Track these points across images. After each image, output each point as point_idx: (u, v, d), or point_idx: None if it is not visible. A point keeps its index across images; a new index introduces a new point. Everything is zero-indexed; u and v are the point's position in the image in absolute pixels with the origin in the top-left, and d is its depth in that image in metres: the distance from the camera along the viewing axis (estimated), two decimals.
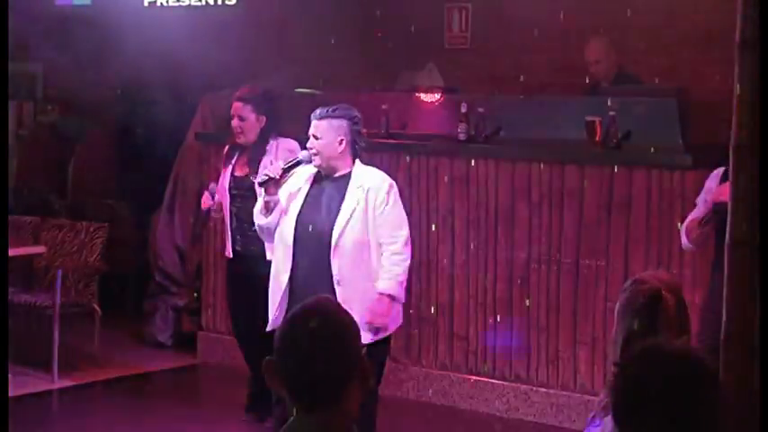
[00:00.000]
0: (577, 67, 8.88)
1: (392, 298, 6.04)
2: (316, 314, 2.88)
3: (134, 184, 10.34)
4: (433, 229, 8.08)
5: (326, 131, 6.05)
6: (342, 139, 6.07)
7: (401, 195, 8.14)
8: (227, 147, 7.47)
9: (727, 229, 3.25)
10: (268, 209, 6.16)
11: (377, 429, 6.32)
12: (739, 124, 3.24)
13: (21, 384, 7.93)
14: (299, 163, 6.26)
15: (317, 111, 6.13)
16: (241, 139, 7.32)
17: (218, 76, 8.90)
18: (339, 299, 5.81)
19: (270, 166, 6.35)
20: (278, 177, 6.18)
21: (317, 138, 6.07)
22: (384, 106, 8.33)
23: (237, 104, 7.33)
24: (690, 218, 6.22)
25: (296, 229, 6.06)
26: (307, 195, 6.13)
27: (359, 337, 2.94)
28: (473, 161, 7.93)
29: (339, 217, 5.99)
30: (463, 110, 7.92)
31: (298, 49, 9.71)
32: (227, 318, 8.13)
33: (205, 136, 9.13)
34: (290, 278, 6.05)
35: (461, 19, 9.99)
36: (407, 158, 8.18)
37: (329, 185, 6.12)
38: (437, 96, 8.54)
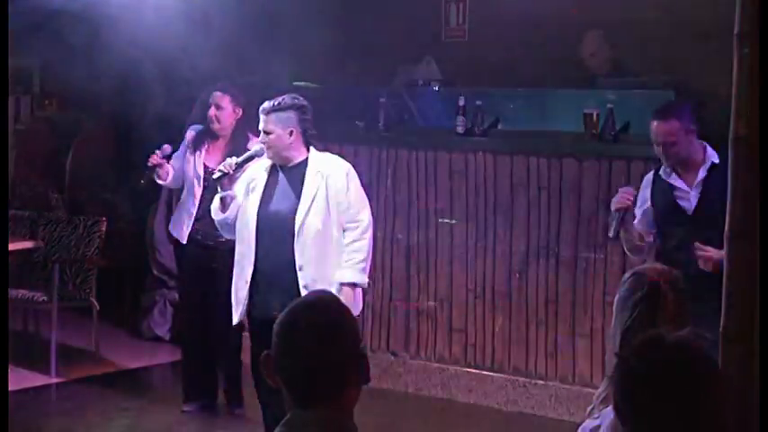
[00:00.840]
0: (575, 60, 8.86)
1: (354, 285, 6.07)
2: (316, 311, 2.86)
3: (131, 177, 10.31)
4: (431, 222, 8.07)
5: (275, 125, 6.11)
6: (291, 131, 6.12)
7: (400, 188, 8.18)
8: (195, 131, 7.54)
9: (726, 221, 3.24)
10: (224, 204, 6.23)
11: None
12: (738, 116, 3.22)
13: (19, 379, 7.92)
14: (252, 157, 6.31)
15: (264, 105, 6.18)
16: (215, 127, 7.47)
17: (215, 70, 8.88)
18: (301, 284, 5.93)
19: (224, 162, 6.38)
20: (231, 173, 6.23)
21: (267, 132, 6.12)
22: (382, 100, 8.33)
23: (217, 93, 7.52)
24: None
25: (258, 221, 6.10)
26: (265, 187, 6.17)
27: (359, 334, 2.93)
28: (471, 154, 7.93)
29: (300, 203, 6.05)
30: (461, 103, 7.92)
31: (294, 42, 9.69)
32: None
33: None
34: (254, 270, 6.10)
35: (459, 12, 9.97)
36: (405, 152, 8.18)
37: (287, 175, 6.17)
38: (435, 90, 8.53)
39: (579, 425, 3.90)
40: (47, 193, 10.68)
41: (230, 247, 6.39)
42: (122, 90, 10.62)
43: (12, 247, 7.95)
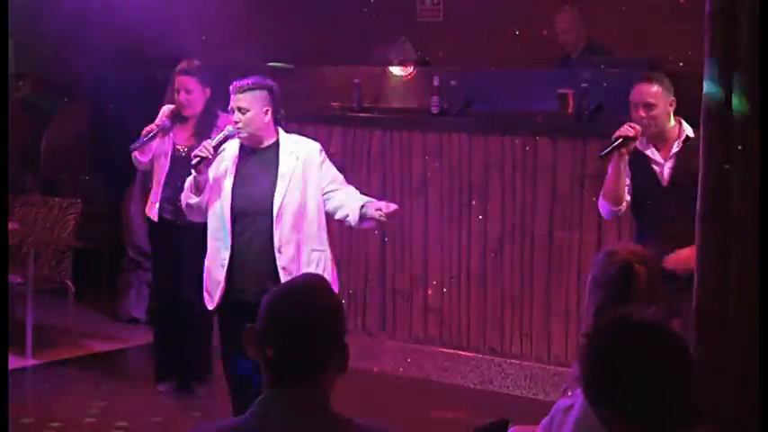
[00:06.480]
0: (549, 40, 8.88)
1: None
2: (303, 295, 2.85)
3: (107, 158, 10.28)
4: (406, 203, 8.08)
5: (252, 103, 6.06)
6: (267, 110, 6.08)
7: (374, 169, 8.18)
8: (166, 114, 7.53)
9: (698, 201, 3.26)
10: (199, 188, 6.14)
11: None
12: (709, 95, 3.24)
13: None
14: (226, 138, 6.21)
15: (237, 84, 6.10)
16: (189, 112, 7.46)
17: (189, 50, 8.86)
18: (279, 266, 5.94)
19: (201, 146, 6.30)
20: (210, 157, 6.13)
21: (243, 111, 6.07)
22: (356, 80, 8.33)
23: (183, 78, 7.47)
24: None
25: (233, 204, 6.06)
26: (237, 169, 6.12)
27: (344, 322, 2.93)
28: (446, 135, 7.93)
29: (278, 185, 6.02)
30: (436, 83, 7.92)
31: (269, 21, 9.67)
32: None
33: None
34: (230, 254, 6.07)
35: None
36: (380, 132, 8.18)
37: (259, 157, 6.12)
38: (409, 70, 8.53)
39: (554, 404, 3.93)
40: (21, 174, 10.63)
41: (200, 226, 6.35)
42: (97, 70, 10.58)
43: None
